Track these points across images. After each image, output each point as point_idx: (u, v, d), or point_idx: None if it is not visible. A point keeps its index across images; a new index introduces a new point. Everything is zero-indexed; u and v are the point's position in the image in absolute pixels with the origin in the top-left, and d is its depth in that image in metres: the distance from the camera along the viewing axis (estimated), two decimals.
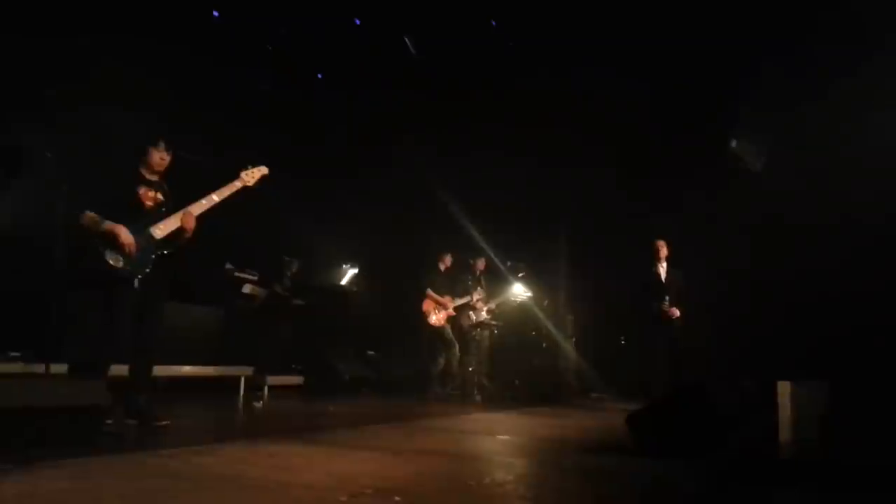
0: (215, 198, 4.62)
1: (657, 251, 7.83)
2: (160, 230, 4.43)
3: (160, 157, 4.56)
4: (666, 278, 7.75)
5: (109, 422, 3.87)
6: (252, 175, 4.77)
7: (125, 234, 4.22)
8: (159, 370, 5.90)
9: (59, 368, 5.08)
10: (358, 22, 8.60)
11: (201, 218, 4.55)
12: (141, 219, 4.38)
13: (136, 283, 4.28)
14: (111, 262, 4.19)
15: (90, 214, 4.23)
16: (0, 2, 6.03)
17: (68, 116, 6.25)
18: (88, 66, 6.45)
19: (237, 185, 4.71)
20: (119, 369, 4.30)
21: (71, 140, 5.86)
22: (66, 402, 3.41)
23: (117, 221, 4.23)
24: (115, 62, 6.51)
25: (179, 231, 4.48)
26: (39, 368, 5.00)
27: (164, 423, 4.35)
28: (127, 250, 4.22)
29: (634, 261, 8.14)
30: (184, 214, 4.50)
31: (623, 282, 8.51)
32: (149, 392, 4.45)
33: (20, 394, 3.29)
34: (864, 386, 5.08)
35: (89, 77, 6.44)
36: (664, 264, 7.82)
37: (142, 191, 4.48)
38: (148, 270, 4.33)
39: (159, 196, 4.56)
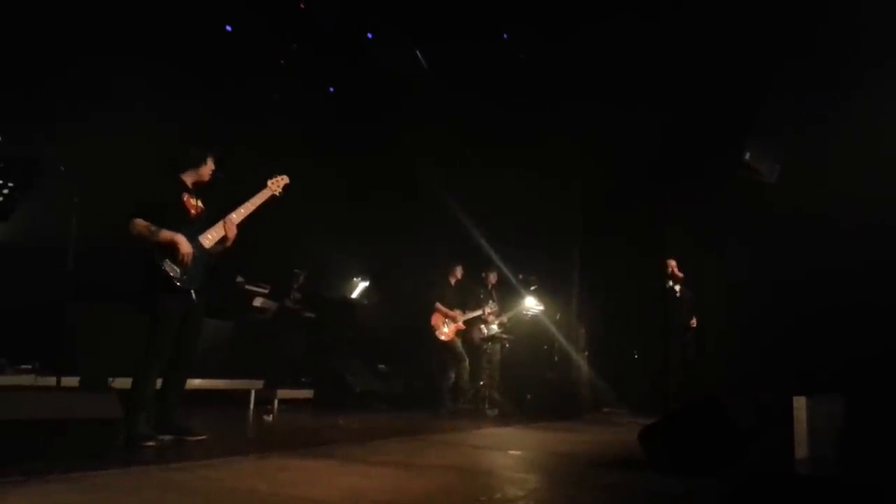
0: (250, 206, 4.53)
1: (667, 268, 7.89)
2: (208, 239, 4.31)
3: (211, 169, 4.45)
4: (679, 293, 7.79)
5: (122, 435, 3.81)
6: (277, 183, 4.71)
7: (186, 244, 4.07)
8: None
9: (71, 381, 5.09)
10: (370, 36, 8.65)
11: (238, 227, 4.46)
12: (187, 226, 4.22)
13: (193, 294, 4.15)
14: (171, 273, 4.03)
15: (141, 222, 4.04)
16: (18, 16, 6.10)
17: (82, 128, 6.29)
18: (100, 76, 6.50)
19: (266, 193, 4.65)
20: (123, 382, 4.21)
21: (85, 152, 5.89)
22: (77, 414, 3.40)
23: (168, 229, 4.06)
24: (127, 74, 6.57)
25: (223, 240, 4.40)
26: (51, 381, 5.00)
27: (200, 437, 4.22)
28: (186, 260, 4.07)
29: (647, 274, 8.13)
30: (226, 223, 4.39)
31: (636, 295, 8.48)
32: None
33: (32, 406, 3.29)
34: (882, 401, 5.00)
35: (102, 88, 6.50)
36: (675, 280, 7.86)
37: (185, 198, 4.33)
38: (203, 281, 4.22)
39: (200, 204, 4.42)
